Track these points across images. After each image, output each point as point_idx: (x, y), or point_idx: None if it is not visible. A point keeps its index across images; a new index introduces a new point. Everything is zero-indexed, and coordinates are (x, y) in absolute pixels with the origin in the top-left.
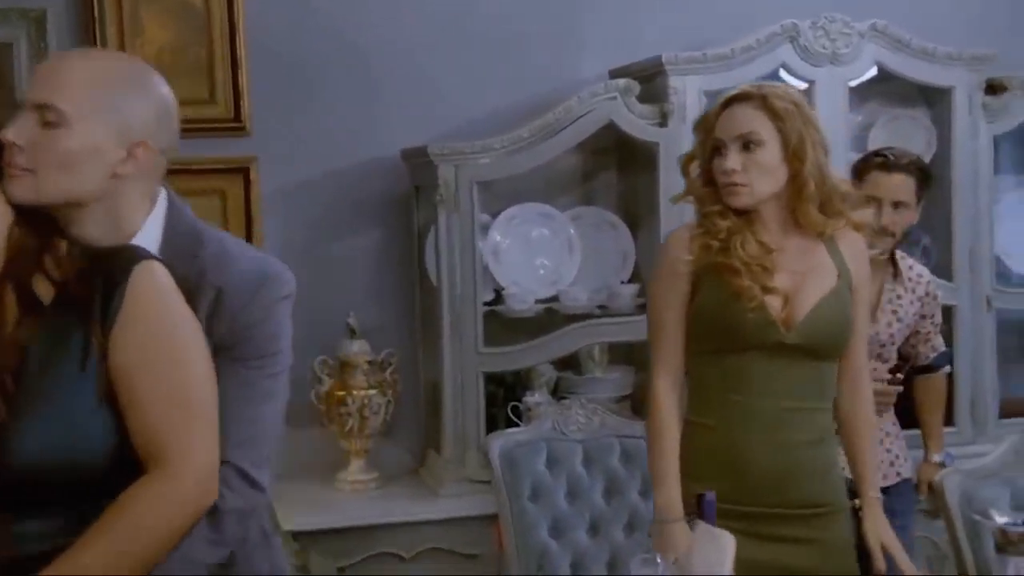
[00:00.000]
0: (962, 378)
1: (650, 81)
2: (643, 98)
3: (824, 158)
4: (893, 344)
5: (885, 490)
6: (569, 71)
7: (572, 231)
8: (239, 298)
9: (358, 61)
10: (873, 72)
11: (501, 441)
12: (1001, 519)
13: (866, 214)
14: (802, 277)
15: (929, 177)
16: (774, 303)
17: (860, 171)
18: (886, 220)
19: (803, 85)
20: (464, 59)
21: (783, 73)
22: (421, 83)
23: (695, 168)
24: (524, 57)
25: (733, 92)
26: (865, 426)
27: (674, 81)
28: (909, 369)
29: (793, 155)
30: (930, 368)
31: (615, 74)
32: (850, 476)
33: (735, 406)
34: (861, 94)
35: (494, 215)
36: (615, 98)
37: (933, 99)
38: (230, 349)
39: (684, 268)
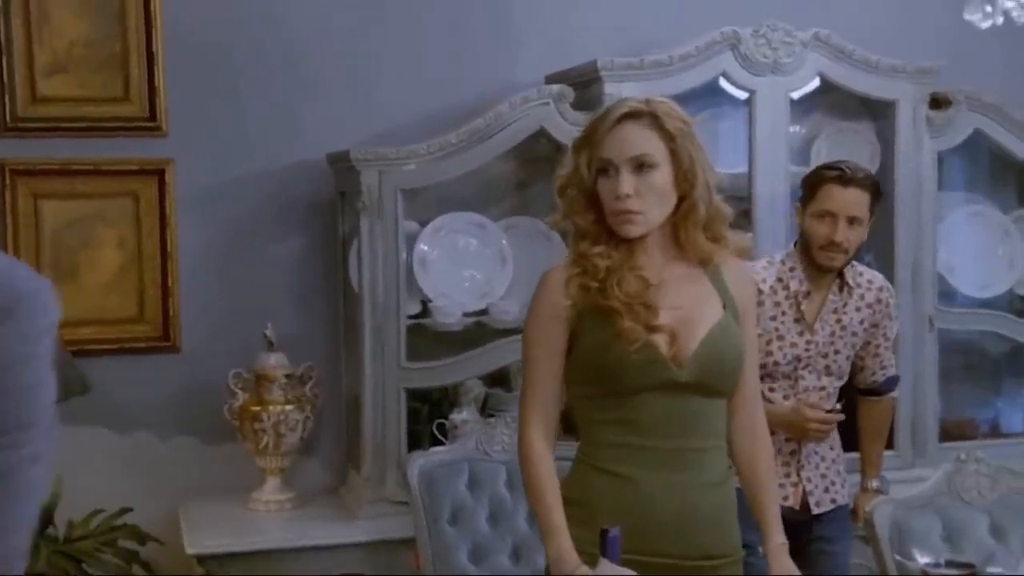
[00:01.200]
0: (903, 400)
1: (586, 87)
2: (578, 105)
3: (712, 178)
4: (838, 354)
5: (818, 517)
6: (506, 76)
7: (504, 242)
8: None
9: (284, 59)
10: (816, 83)
11: (421, 461)
12: (923, 559)
13: (746, 238)
14: (688, 310)
15: (881, 193)
16: (660, 340)
17: (812, 184)
18: (840, 236)
19: (744, 95)
20: (398, 61)
21: (723, 82)
22: (351, 83)
23: (573, 190)
24: (460, 61)
25: (622, 109)
26: (765, 466)
27: (610, 88)
28: (855, 390)
29: (683, 177)
30: (877, 391)
31: (552, 80)
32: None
33: (631, 449)
34: (805, 106)
35: (425, 223)
36: (548, 104)
37: (877, 112)
38: None
39: (563, 312)
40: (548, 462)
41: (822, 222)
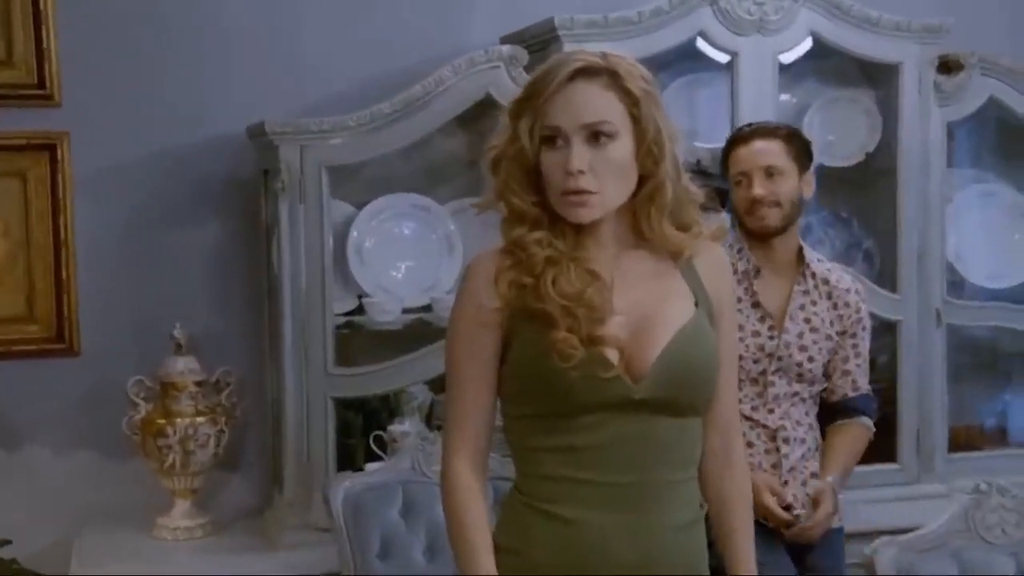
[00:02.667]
0: (906, 404)
1: (543, 49)
2: (533, 69)
3: (680, 154)
4: (812, 361)
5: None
6: (458, 38)
7: (453, 227)
8: None
9: (200, 17)
10: (808, 45)
11: (346, 484)
12: None
13: (720, 218)
14: (649, 309)
15: (804, 141)
16: (609, 351)
17: (724, 156)
18: (758, 189)
19: (725, 57)
20: (334, 18)
21: (701, 43)
22: (278, 46)
23: (510, 164)
24: (406, 21)
25: (574, 64)
26: (741, 504)
27: (569, 49)
28: (821, 407)
29: (647, 151)
30: (844, 411)
31: (506, 41)
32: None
33: (579, 485)
34: (795, 71)
35: (362, 207)
36: (498, 67)
37: (878, 78)
38: None
39: (490, 317)
40: (475, 494)
41: (740, 187)
